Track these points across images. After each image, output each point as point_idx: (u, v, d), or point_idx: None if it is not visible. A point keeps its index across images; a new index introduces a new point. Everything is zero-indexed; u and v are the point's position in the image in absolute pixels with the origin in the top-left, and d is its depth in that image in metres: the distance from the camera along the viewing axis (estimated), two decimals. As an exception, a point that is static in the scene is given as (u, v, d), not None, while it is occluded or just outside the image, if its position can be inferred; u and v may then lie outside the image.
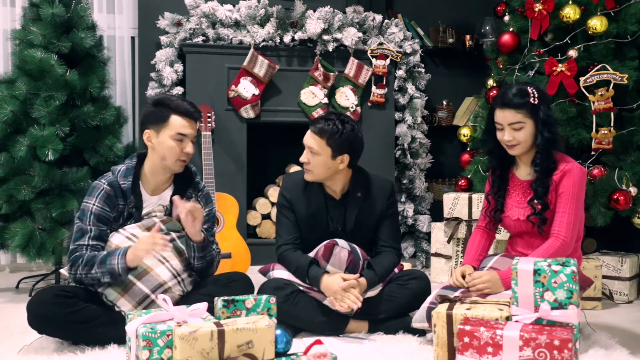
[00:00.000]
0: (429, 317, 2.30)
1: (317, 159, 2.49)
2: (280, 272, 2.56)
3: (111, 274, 2.22)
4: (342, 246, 2.43)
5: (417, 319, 2.36)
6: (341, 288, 2.36)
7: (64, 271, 2.48)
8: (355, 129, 2.52)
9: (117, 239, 2.35)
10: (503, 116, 2.34)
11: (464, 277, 2.38)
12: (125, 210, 2.39)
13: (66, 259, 2.35)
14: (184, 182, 2.50)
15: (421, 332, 2.42)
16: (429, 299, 2.36)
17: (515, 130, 2.33)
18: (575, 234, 2.32)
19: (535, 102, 2.31)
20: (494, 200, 2.50)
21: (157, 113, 2.39)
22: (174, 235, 2.39)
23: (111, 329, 2.23)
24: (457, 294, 2.29)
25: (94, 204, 2.34)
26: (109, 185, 2.37)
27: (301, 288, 2.48)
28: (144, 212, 2.42)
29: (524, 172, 2.46)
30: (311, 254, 2.52)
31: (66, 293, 2.25)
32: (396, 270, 2.61)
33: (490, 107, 2.44)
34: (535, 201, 2.35)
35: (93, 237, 2.32)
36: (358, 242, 2.54)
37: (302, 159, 2.52)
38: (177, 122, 2.37)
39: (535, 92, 2.32)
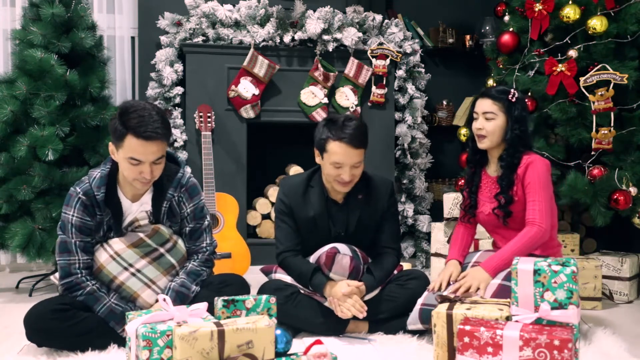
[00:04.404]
0: (421, 319, 2.34)
1: (360, 168, 2.46)
2: (282, 275, 2.56)
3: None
4: (344, 253, 2.41)
5: (411, 321, 2.39)
6: (344, 294, 2.35)
7: (53, 278, 2.45)
8: None
9: (102, 256, 2.28)
10: (480, 104, 2.50)
11: (449, 284, 2.42)
12: (104, 221, 2.28)
13: (58, 272, 2.29)
14: (165, 182, 2.33)
15: (421, 332, 2.42)
16: (420, 300, 2.38)
17: (486, 120, 2.46)
18: (549, 220, 2.39)
19: (513, 100, 2.45)
20: (467, 196, 2.61)
21: (117, 128, 2.15)
22: (162, 250, 2.33)
23: (112, 338, 2.22)
24: (448, 292, 2.31)
25: (73, 215, 2.23)
26: (85, 195, 2.24)
27: (302, 291, 2.48)
28: (127, 221, 2.32)
29: (493, 168, 2.56)
30: (311, 259, 2.51)
31: (64, 306, 2.21)
32: (395, 271, 2.61)
33: (473, 99, 2.58)
34: (500, 195, 2.44)
35: (80, 250, 2.24)
36: (359, 244, 2.53)
37: (347, 177, 2.41)
38: (131, 145, 2.13)
39: (517, 94, 2.47)
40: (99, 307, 2.22)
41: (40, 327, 2.17)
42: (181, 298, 2.28)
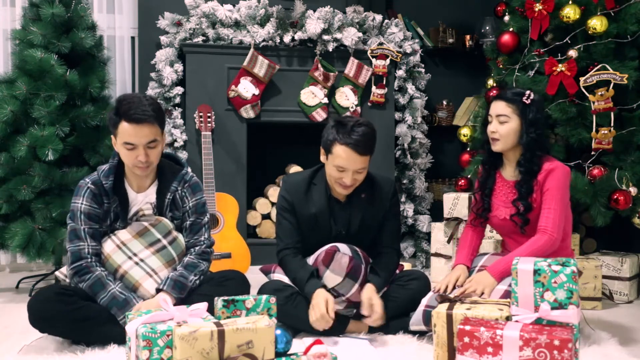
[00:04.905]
0: (424, 320, 2.33)
1: (364, 174, 2.46)
2: (280, 275, 2.56)
3: (109, 309, 2.26)
4: (344, 252, 2.40)
5: (414, 322, 2.38)
6: (325, 316, 2.31)
7: (59, 273, 2.48)
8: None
9: (108, 246, 2.35)
10: (494, 107, 2.45)
11: (454, 287, 2.39)
12: (112, 209, 2.37)
13: (66, 259, 2.36)
14: (169, 176, 2.44)
15: (421, 332, 2.42)
16: (424, 302, 2.37)
17: (500, 124, 2.41)
18: (561, 229, 2.35)
19: (527, 102, 2.38)
20: (480, 199, 2.55)
21: (111, 117, 2.30)
22: (164, 242, 2.39)
23: (113, 327, 2.24)
24: (454, 293, 2.30)
25: (82, 203, 2.33)
26: (93, 184, 2.35)
27: None
28: (132, 211, 2.40)
29: (509, 172, 2.50)
30: (311, 259, 2.51)
31: (67, 291, 2.27)
32: (397, 271, 2.61)
33: (489, 101, 2.54)
34: (519, 202, 2.39)
35: (89, 236, 2.32)
36: (360, 244, 2.52)
37: (349, 182, 2.41)
38: (124, 130, 2.26)
39: (532, 95, 2.40)
40: (103, 294, 2.26)
41: (43, 309, 2.21)
42: (180, 287, 2.32)
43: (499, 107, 2.42)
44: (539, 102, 2.42)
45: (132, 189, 2.41)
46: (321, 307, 2.32)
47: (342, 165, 2.39)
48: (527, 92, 2.40)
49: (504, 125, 2.40)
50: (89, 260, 2.30)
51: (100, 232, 2.36)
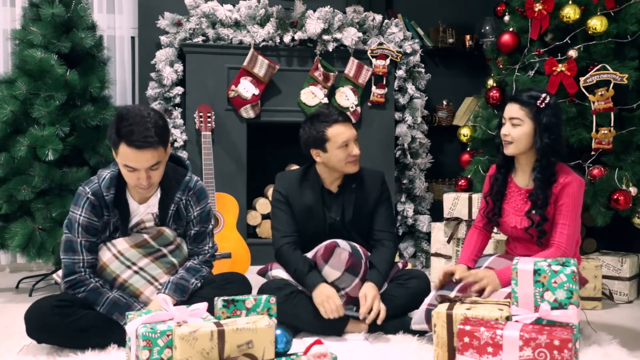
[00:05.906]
0: (427, 319, 2.32)
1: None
2: (278, 272, 2.57)
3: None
4: (343, 248, 2.43)
5: (416, 320, 2.38)
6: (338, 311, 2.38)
7: (56, 276, 2.46)
8: None
9: (105, 255, 2.29)
10: (508, 109, 2.40)
11: (452, 274, 2.36)
12: (111, 222, 2.29)
13: (61, 271, 2.30)
14: (172, 184, 2.34)
15: (421, 332, 2.42)
16: (427, 300, 2.37)
17: (512, 126, 2.36)
18: (575, 244, 2.35)
19: (542, 106, 2.31)
20: (492, 203, 2.51)
21: (111, 135, 2.15)
22: (165, 250, 2.36)
23: (112, 336, 2.21)
24: (455, 293, 2.29)
25: (80, 215, 2.24)
26: (93, 195, 2.24)
27: (300, 288, 2.49)
28: (133, 222, 2.32)
29: (522, 179, 2.46)
30: (310, 254, 2.52)
31: (64, 302, 2.21)
32: (400, 265, 2.65)
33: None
34: (534, 212, 2.35)
35: (85, 249, 2.25)
36: (357, 233, 2.59)
37: (357, 150, 2.56)
38: (124, 153, 2.13)
39: (547, 98, 2.33)
40: (102, 301, 2.23)
41: (40, 322, 2.17)
42: (181, 289, 2.30)
43: (512, 110, 2.37)
44: (555, 106, 2.35)
45: (134, 200, 2.31)
46: (336, 300, 2.37)
47: (345, 139, 2.52)
48: (543, 95, 2.33)
49: (516, 128, 2.35)
50: (83, 273, 2.25)
51: (97, 244, 2.30)
